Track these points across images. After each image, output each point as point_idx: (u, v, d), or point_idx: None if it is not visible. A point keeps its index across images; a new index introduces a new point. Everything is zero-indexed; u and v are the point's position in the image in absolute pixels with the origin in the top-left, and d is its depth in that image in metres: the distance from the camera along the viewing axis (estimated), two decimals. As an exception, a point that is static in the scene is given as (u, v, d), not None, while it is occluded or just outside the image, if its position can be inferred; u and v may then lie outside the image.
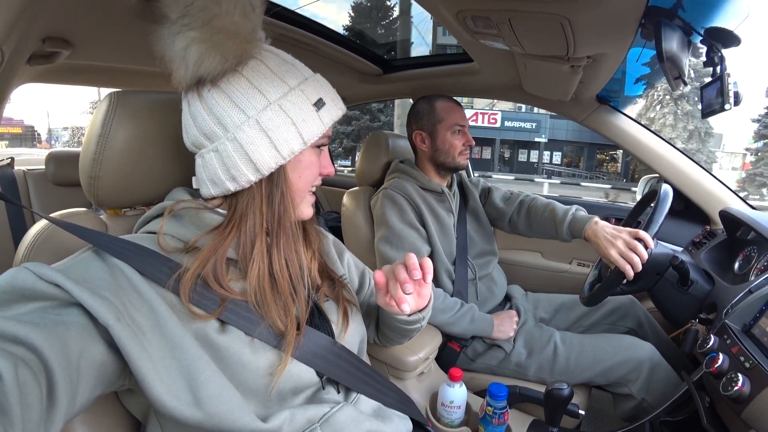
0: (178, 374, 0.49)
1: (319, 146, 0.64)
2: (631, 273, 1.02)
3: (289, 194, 0.61)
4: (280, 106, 0.56)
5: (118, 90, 0.64)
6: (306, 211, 0.67)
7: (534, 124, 21.98)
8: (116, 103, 0.62)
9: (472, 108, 20.79)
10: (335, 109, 0.62)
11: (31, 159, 2.37)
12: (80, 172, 0.64)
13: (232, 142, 0.56)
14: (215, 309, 0.54)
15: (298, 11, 1.30)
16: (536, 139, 22.35)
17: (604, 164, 21.96)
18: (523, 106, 18.28)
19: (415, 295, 0.71)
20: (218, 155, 0.57)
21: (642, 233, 1.04)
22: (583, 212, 1.24)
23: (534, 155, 23.21)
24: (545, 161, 22.79)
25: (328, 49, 1.41)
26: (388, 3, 16.73)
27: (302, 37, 1.29)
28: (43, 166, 1.83)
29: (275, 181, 0.59)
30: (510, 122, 21.90)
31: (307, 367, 0.60)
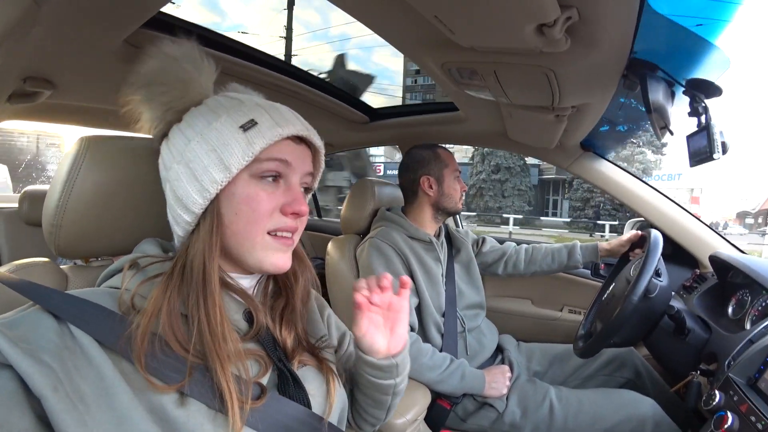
0: None
1: (270, 177, 0.55)
2: None
3: (219, 236, 0.53)
4: (202, 136, 0.52)
5: (89, 135, 0.61)
6: (270, 259, 0.56)
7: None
8: (86, 147, 0.59)
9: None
10: (277, 128, 0.53)
11: (4, 197, 2.28)
12: (43, 219, 0.60)
13: (168, 182, 0.55)
14: (176, 377, 0.47)
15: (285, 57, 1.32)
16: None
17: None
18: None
19: (387, 333, 0.65)
20: (167, 199, 0.56)
21: None
22: None
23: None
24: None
25: (315, 97, 1.43)
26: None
27: (288, 84, 1.31)
28: (17, 205, 1.74)
29: (209, 220, 0.53)
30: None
31: None
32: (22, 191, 1.72)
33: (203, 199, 0.52)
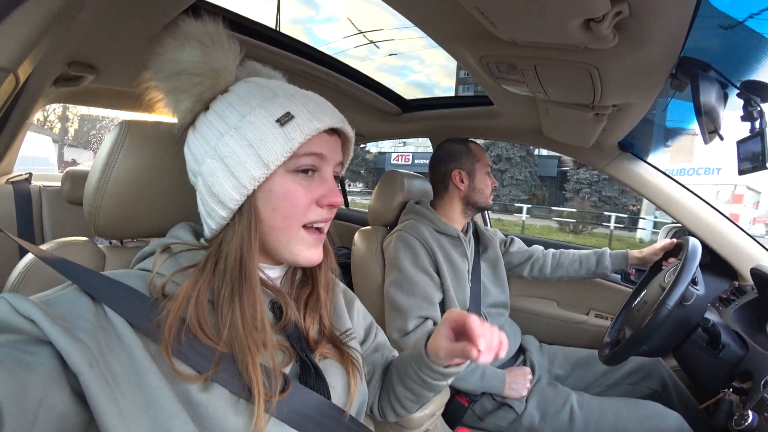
0: None
1: (306, 171, 0.55)
2: None
3: (258, 232, 0.53)
4: (237, 129, 0.51)
5: (129, 119, 0.62)
6: (304, 254, 0.57)
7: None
8: (126, 131, 0.61)
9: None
10: (314, 122, 0.52)
11: (49, 175, 2.38)
12: (84, 199, 0.62)
13: (201, 176, 0.54)
14: (203, 365, 0.48)
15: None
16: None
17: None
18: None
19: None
20: (199, 192, 0.55)
21: None
22: None
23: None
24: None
25: (348, 87, 1.43)
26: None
27: (321, 74, 1.31)
28: (60, 183, 1.83)
29: (246, 216, 0.53)
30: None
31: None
32: (65, 171, 1.80)
33: (240, 195, 0.51)
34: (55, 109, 20.20)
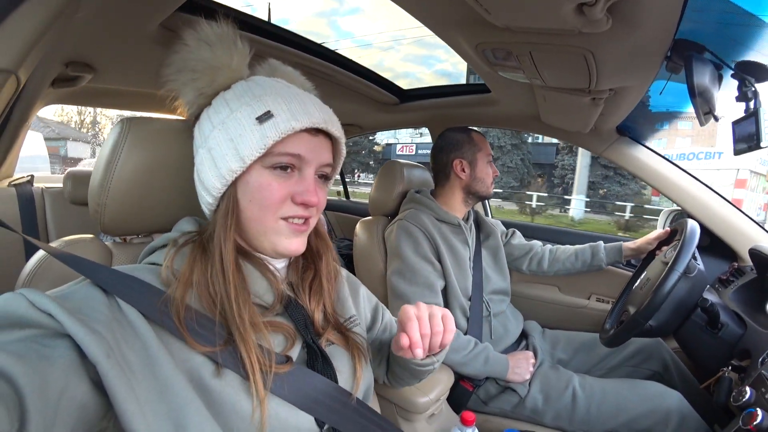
0: (165, 418, 0.45)
1: (284, 168, 0.57)
2: None
3: (234, 219, 0.56)
4: (224, 124, 0.55)
5: (129, 117, 0.63)
6: (283, 243, 0.59)
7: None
8: (128, 129, 0.61)
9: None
10: (292, 121, 0.54)
11: (51, 177, 2.39)
12: (89, 197, 0.63)
13: (196, 165, 0.59)
14: (214, 340, 0.51)
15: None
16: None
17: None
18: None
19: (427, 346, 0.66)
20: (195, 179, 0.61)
21: None
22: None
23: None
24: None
25: (345, 78, 1.43)
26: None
27: (318, 66, 1.31)
28: (61, 185, 1.85)
29: (225, 203, 0.56)
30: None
31: (306, 415, 0.56)
32: (66, 172, 1.81)
33: (221, 185, 0.55)
34: (90, 112, 22.71)
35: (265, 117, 0.54)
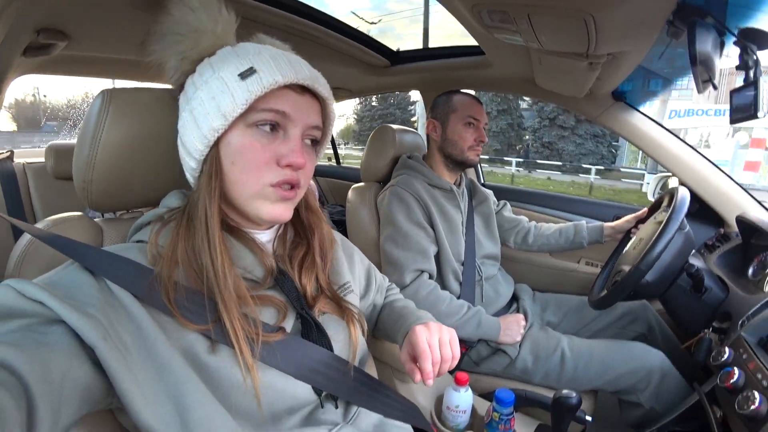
0: (165, 397, 0.46)
1: (269, 128, 0.55)
2: None
3: (218, 183, 0.54)
4: (207, 83, 0.53)
5: (110, 88, 0.60)
6: (267, 209, 0.57)
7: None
8: (109, 101, 0.58)
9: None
10: (276, 75, 0.52)
11: (31, 151, 2.31)
12: (74, 175, 0.61)
13: (179, 129, 0.57)
14: (204, 319, 0.50)
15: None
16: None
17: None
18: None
19: None
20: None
21: None
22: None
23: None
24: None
25: (333, 40, 1.36)
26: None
27: (305, 27, 1.24)
28: (43, 159, 1.75)
29: (208, 166, 0.54)
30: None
31: (303, 384, 0.57)
32: (48, 145, 1.72)
33: (203, 146, 0.54)
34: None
35: (248, 72, 0.52)
